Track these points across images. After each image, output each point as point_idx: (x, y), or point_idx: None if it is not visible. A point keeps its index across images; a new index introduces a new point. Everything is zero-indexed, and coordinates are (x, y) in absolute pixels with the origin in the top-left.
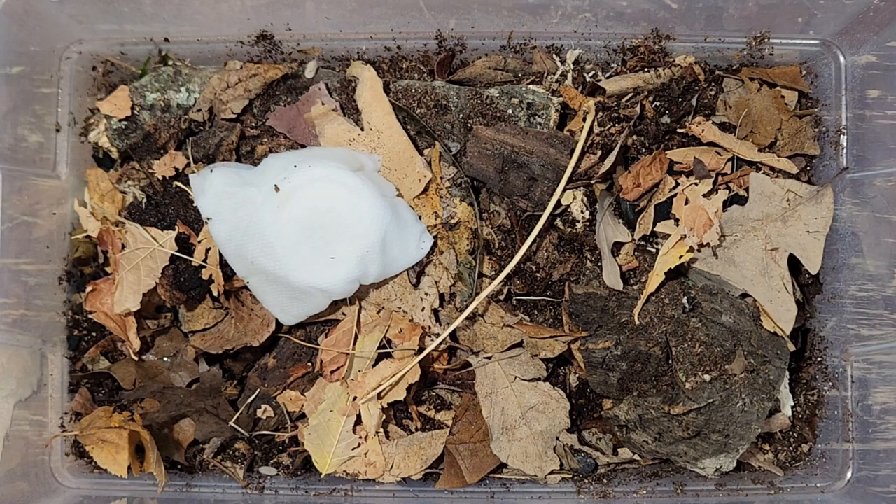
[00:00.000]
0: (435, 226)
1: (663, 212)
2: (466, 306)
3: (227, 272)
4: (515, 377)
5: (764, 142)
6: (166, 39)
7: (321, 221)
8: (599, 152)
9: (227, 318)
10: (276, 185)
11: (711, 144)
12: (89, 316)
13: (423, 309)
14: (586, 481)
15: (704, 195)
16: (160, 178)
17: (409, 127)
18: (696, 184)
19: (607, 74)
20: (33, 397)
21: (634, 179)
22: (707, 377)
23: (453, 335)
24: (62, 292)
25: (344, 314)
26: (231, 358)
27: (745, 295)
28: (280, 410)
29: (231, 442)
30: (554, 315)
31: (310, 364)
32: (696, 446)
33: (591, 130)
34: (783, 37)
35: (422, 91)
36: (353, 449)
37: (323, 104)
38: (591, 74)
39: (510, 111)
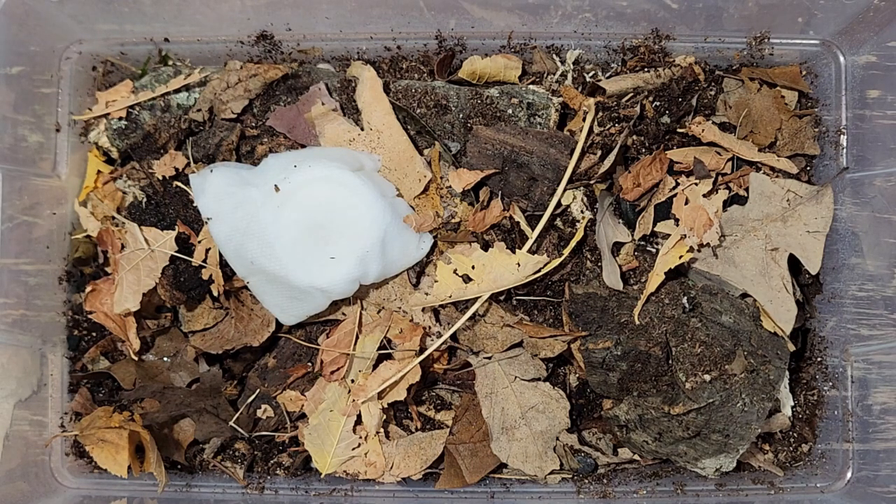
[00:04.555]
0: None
1: (663, 212)
2: (467, 307)
3: (227, 272)
4: (515, 377)
5: (764, 142)
6: (166, 39)
7: (321, 221)
8: (599, 152)
9: (227, 318)
10: (276, 185)
11: (711, 144)
12: (89, 316)
13: (423, 309)
14: (586, 481)
15: (704, 195)
16: (160, 178)
17: (409, 127)
18: (696, 184)
19: (607, 74)
20: (33, 397)
21: (634, 179)
22: (707, 377)
23: (453, 335)
24: (62, 292)
25: (344, 314)
26: (231, 358)
27: (745, 295)
28: (280, 410)
29: (231, 442)
30: (554, 315)
31: (310, 364)
32: (696, 446)
33: (591, 130)
34: (783, 37)
35: (422, 91)
36: (353, 449)
37: (323, 104)
38: (591, 74)
39: (510, 111)
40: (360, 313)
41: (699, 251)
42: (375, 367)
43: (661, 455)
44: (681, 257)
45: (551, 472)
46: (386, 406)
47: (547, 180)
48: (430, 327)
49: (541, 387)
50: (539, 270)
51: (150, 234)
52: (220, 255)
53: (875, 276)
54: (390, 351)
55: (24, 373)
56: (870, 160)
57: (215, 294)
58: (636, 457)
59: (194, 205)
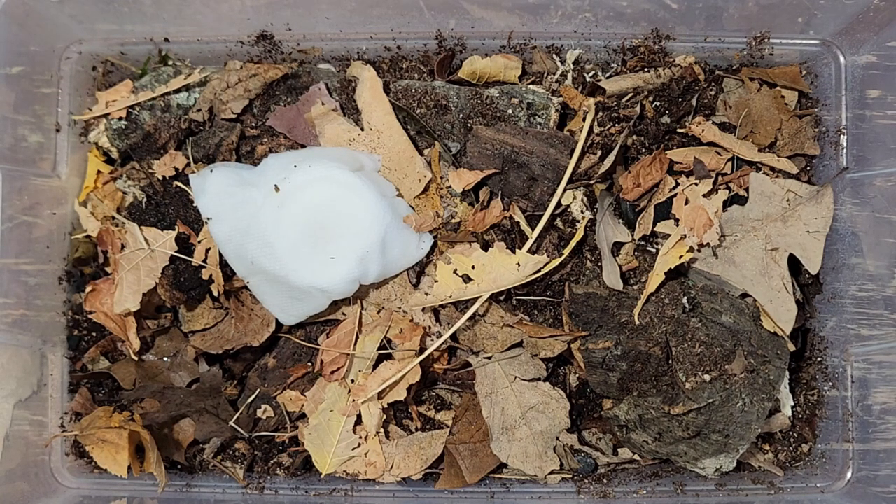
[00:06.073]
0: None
1: (663, 212)
2: (467, 307)
3: (227, 272)
4: (515, 377)
5: (764, 142)
6: (166, 39)
7: (321, 221)
8: (599, 152)
9: (227, 318)
10: (276, 185)
11: (711, 144)
12: (89, 316)
13: (423, 309)
14: (586, 481)
15: (704, 195)
16: (160, 178)
17: (409, 127)
18: (696, 184)
19: (607, 74)
20: (33, 397)
21: (634, 179)
22: (707, 377)
23: (453, 335)
24: (62, 292)
25: (344, 314)
26: (231, 358)
27: (745, 295)
28: (280, 410)
29: (231, 442)
30: (554, 315)
31: (310, 364)
32: (696, 446)
33: (591, 130)
34: (783, 37)
35: (422, 91)
36: (354, 449)
37: (323, 104)
38: (591, 74)
39: (510, 111)
40: (360, 313)
41: (699, 251)
42: (375, 367)
43: (661, 455)
44: (681, 257)
45: (551, 472)
46: (386, 406)
47: (547, 180)
48: (430, 327)
49: (541, 387)
50: (539, 270)
51: (150, 234)
52: (220, 255)
53: (875, 276)
54: (390, 351)
55: (24, 373)
56: (870, 160)
57: (215, 294)
58: (636, 457)
59: (194, 205)
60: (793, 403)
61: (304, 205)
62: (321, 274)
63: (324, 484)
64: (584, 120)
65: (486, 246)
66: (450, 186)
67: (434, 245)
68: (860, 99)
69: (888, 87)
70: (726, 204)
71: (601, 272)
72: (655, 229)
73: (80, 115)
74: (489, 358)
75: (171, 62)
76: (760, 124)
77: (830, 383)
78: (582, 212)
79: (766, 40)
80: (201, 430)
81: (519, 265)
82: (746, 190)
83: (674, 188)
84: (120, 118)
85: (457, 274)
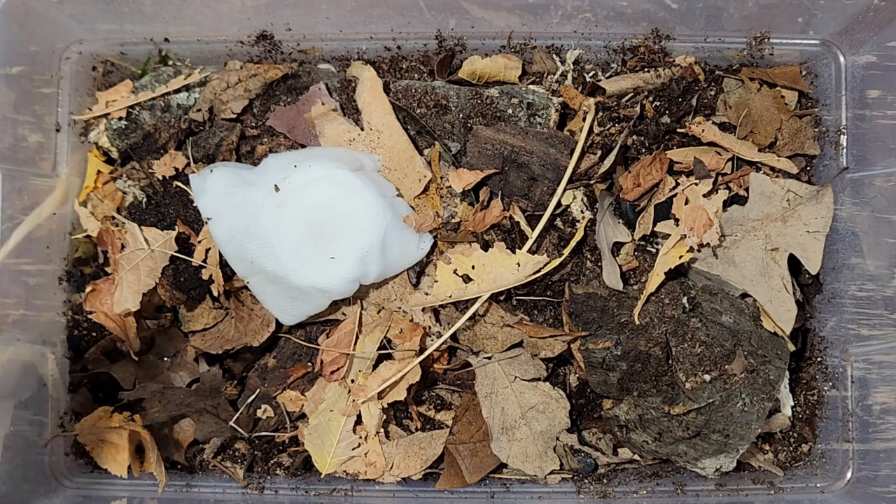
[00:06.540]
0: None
1: (663, 212)
2: (467, 307)
3: (227, 272)
4: (515, 377)
5: (764, 142)
6: (166, 39)
7: (321, 221)
8: (599, 152)
9: (227, 318)
10: (276, 185)
11: (711, 144)
12: (89, 316)
13: (423, 309)
14: (586, 481)
15: (704, 195)
16: (160, 178)
17: (409, 127)
18: (696, 184)
19: (607, 74)
20: (33, 397)
21: (634, 179)
22: (707, 377)
23: (453, 335)
24: (62, 292)
25: (344, 314)
26: (231, 358)
27: (745, 295)
28: (280, 410)
29: (231, 442)
30: (554, 315)
31: (310, 364)
32: (696, 446)
33: (591, 130)
34: (783, 37)
35: (422, 91)
36: (354, 449)
37: (323, 104)
38: (591, 74)
39: (510, 111)
40: (360, 313)
41: (699, 251)
42: (375, 367)
43: (661, 455)
44: (681, 257)
45: (551, 472)
46: (386, 406)
47: (547, 180)
48: (430, 327)
49: (541, 387)
50: (539, 270)
51: (150, 234)
52: (220, 255)
53: (875, 276)
54: (390, 351)
55: (24, 373)
56: (870, 160)
57: (215, 294)
58: (636, 457)
59: (194, 205)
60: (793, 403)
61: (304, 205)
62: (321, 274)
63: (324, 484)
64: (584, 120)
65: (486, 246)
66: (450, 186)
67: (434, 245)
68: (860, 99)
69: (888, 87)
70: (726, 204)
71: (601, 272)
72: (655, 229)
73: (80, 115)
74: (489, 358)
75: (171, 62)
76: (760, 124)
77: (830, 383)
78: (582, 212)
79: (766, 40)
80: (201, 430)
81: (519, 265)
82: (746, 190)
83: (674, 188)
84: (120, 118)
85: (457, 274)
